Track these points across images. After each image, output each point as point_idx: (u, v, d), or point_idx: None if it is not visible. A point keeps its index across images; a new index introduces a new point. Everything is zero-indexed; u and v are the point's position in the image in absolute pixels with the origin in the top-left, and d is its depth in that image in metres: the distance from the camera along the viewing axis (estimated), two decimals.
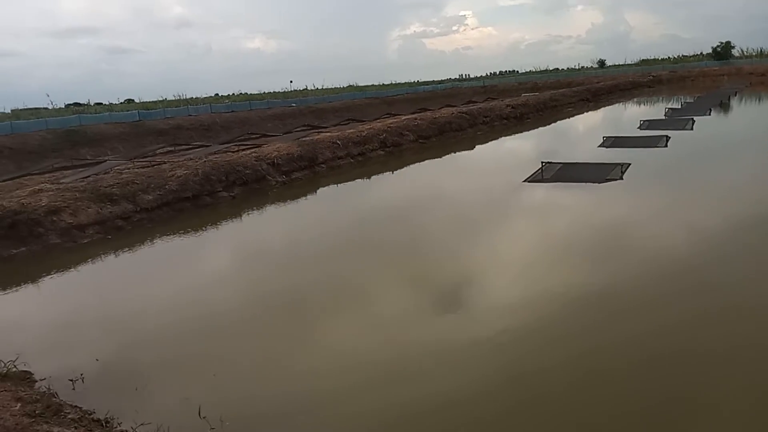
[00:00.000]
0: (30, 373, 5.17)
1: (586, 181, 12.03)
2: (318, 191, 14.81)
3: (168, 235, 10.73)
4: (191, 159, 13.67)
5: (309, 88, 59.92)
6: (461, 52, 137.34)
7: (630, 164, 13.16)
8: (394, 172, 16.98)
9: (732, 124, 24.08)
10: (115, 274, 9.02)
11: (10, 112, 36.87)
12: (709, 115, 23.52)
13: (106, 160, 19.46)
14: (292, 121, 37.61)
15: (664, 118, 23.11)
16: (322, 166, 15.98)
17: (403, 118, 22.39)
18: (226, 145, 21.09)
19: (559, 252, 8.13)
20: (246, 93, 53.59)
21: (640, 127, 20.62)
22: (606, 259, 7.71)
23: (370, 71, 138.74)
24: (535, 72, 76.03)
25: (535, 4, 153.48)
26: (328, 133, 18.53)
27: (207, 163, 12.79)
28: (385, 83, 68.31)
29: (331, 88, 60.09)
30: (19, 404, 4.00)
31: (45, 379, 5.11)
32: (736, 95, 33.34)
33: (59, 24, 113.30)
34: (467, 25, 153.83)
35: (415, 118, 21.61)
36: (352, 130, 18.82)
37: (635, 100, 40.09)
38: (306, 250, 9.34)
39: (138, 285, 8.17)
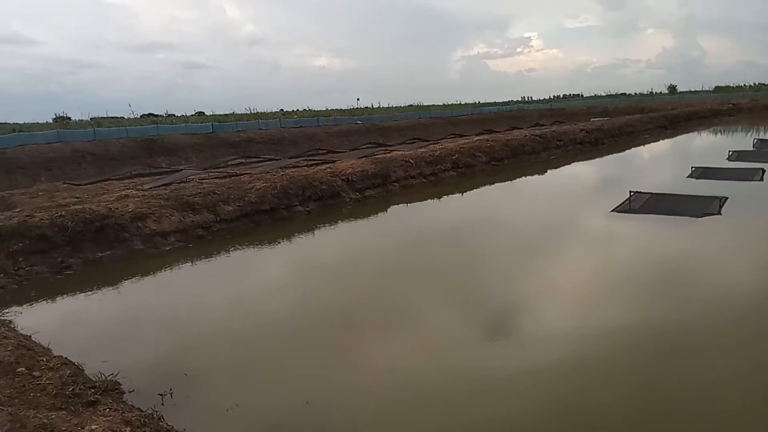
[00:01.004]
0: (118, 383, 5.03)
1: (681, 215, 11.23)
2: (389, 209, 14.61)
3: (245, 246, 10.75)
4: (268, 172, 13.75)
5: (374, 107, 60.29)
6: (525, 74, 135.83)
7: (727, 198, 12.28)
8: (466, 193, 16.60)
9: None
10: (196, 281, 9.03)
11: (91, 120, 38.69)
12: None
13: (181, 169, 20.02)
14: (357, 138, 37.91)
15: (753, 149, 21.70)
16: (395, 184, 15.77)
17: (475, 138, 21.98)
18: (295, 160, 21.34)
19: (654, 289, 7.50)
20: (312, 109, 54.47)
21: (729, 158, 19.41)
22: (709, 301, 7.05)
23: (433, 91, 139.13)
24: (604, 96, 73.94)
25: (603, 27, 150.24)
26: (401, 152, 18.36)
27: (284, 177, 12.80)
28: (449, 103, 67.99)
29: (396, 107, 60.29)
30: (128, 428, 3.82)
31: (133, 391, 4.99)
32: None
33: (138, 39, 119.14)
34: (532, 46, 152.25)
35: (487, 140, 21.15)
36: (424, 150, 18.58)
37: (713, 128, 38.15)
38: (370, 268, 9.28)
39: (220, 295, 8.11)
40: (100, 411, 4.16)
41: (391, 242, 11.24)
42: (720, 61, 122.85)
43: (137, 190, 11.80)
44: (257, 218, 11.63)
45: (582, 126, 28.32)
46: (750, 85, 66.95)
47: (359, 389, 5.26)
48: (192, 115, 52.65)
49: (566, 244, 10.30)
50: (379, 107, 60.09)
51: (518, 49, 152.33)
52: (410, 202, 15.48)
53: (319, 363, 5.71)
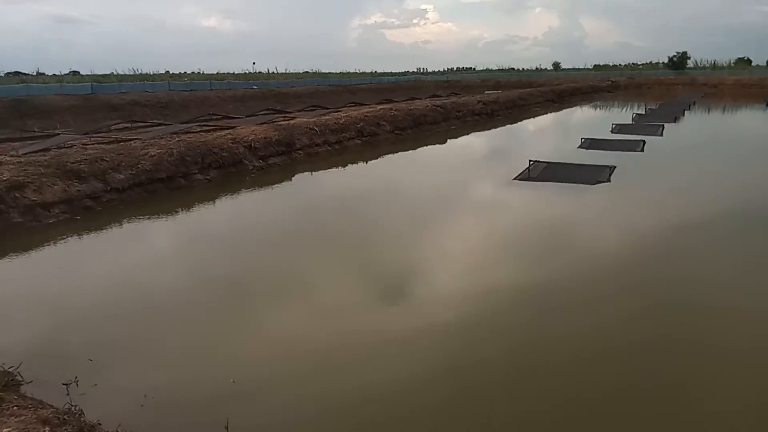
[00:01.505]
0: (13, 374, 4.31)
1: (577, 182, 11.84)
2: (294, 178, 14.15)
3: (139, 217, 9.87)
4: (162, 137, 12.70)
5: (271, 72, 58.23)
6: (420, 46, 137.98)
7: (615, 167, 13.10)
8: (371, 161, 16.45)
9: (699, 131, 24.66)
10: (85, 257, 8.14)
11: None
12: (675, 122, 24.00)
13: (57, 134, 18.15)
14: (253, 104, 36.44)
15: (632, 123, 23.41)
16: (300, 152, 15.26)
17: (378, 108, 21.82)
18: (187, 125, 20.09)
19: (549, 251, 7.85)
20: (204, 72, 51.55)
21: (612, 131, 20.78)
22: (613, 256, 7.50)
23: (330, 59, 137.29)
24: (495, 70, 76.73)
25: (495, 3, 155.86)
26: (304, 119, 17.77)
27: (181, 143, 11.89)
28: (347, 71, 67.35)
29: (294, 73, 58.82)
30: (47, 428, 3.24)
31: (32, 382, 4.32)
32: (695, 104, 34.35)
33: None
34: (428, 19, 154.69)
35: (390, 109, 21.07)
36: (328, 117, 18.14)
37: (595, 103, 40.82)
38: (270, 237, 9.04)
39: (114, 272, 7.35)
40: (6, 410, 3.55)
41: (294, 211, 10.90)
42: (599, 41, 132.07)
43: (11, 156, 10.38)
44: (152, 187, 10.71)
45: (479, 98, 29.08)
46: (626, 65, 72.57)
47: (257, 360, 5.08)
48: (66, 74, 48.00)
49: (469, 211, 10.50)
50: (276, 72, 58.22)
51: (414, 21, 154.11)
52: (315, 171, 15.08)
53: (217, 336, 5.46)
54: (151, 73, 45.78)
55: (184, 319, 5.93)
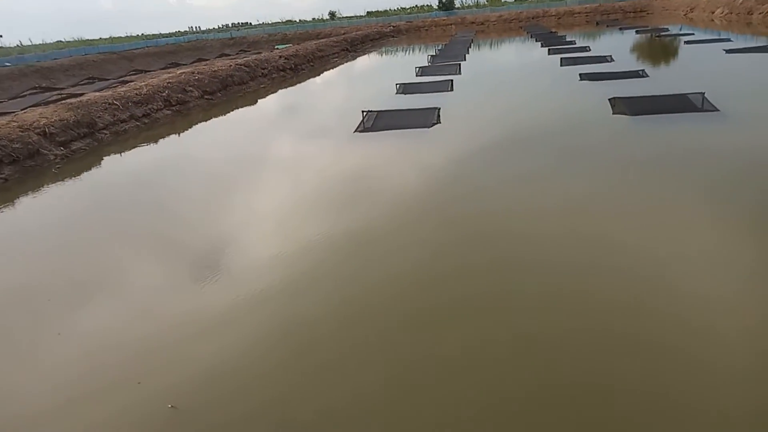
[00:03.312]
0: None
1: (414, 127, 12.15)
2: (103, 162, 12.35)
3: None
4: None
5: (19, 45, 49.51)
6: (188, 2, 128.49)
7: (439, 108, 13.72)
8: (184, 132, 15.03)
9: (488, 64, 26.91)
10: None
11: None
12: (465, 60, 25.87)
13: None
14: (12, 85, 30.97)
15: (430, 65, 24.63)
16: (104, 132, 13.30)
17: (179, 72, 19.81)
18: None
19: (371, 198, 8.05)
20: None
21: (417, 74, 21.66)
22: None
23: (88, 25, 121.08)
24: (276, 24, 75.02)
25: None
26: (96, 94, 15.39)
27: None
28: (119, 36, 60.25)
29: (51, 44, 50.68)
30: None
31: None
32: (473, 41, 37.40)
33: None
34: None
35: (193, 72, 19.30)
36: (125, 88, 15.95)
37: (384, 48, 42.26)
38: (80, 232, 8.15)
39: None
40: None
41: (101, 198, 9.75)
42: None
43: None
44: None
45: (279, 53, 28.11)
46: (396, 9, 75.97)
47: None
48: None
49: (308, 169, 10.17)
50: (29, 45, 49.69)
51: None
52: (125, 151, 13.33)
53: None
54: None
55: None
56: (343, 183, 9.13)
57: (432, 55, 28.57)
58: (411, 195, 8.17)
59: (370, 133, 12.15)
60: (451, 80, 18.42)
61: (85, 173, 11.61)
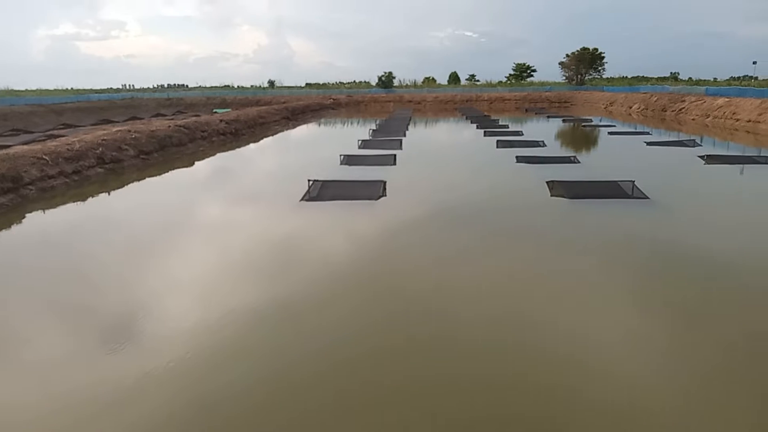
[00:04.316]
0: None
1: (361, 198, 12.12)
2: (25, 220, 11.49)
3: None
4: None
5: None
6: (124, 60, 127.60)
7: (385, 181, 13.82)
8: (115, 191, 14.32)
9: (428, 141, 27.88)
10: None
11: None
12: (406, 136, 26.58)
13: None
14: None
15: (372, 138, 25.10)
16: (30, 187, 12.45)
17: (115, 129, 19.09)
18: None
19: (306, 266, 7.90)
20: None
21: (359, 147, 21.98)
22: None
23: (14, 75, 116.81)
24: (213, 87, 75.29)
25: (201, 18, 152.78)
26: (27, 147, 14.51)
27: None
28: (48, 88, 58.24)
29: None
30: None
31: None
32: (411, 119, 38.77)
33: None
34: (128, 31, 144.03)
35: (130, 130, 18.68)
36: (56, 143, 15.16)
37: (324, 120, 42.94)
38: None
39: None
40: None
41: (11, 261, 9.01)
42: (307, 61, 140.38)
43: None
44: None
45: (220, 117, 27.93)
46: (334, 83, 78.28)
47: None
48: None
49: (247, 236, 9.84)
50: None
51: (113, 33, 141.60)
52: (50, 208, 12.49)
53: None
54: None
55: None
56: (281, 253, 8.90)
57: (373, 129, 29.24)
58: (349, 267, 8.07)
59: (317, 202, 11.99)
60: (395, 155, 18.77)
61: (4, 231, 10.75)
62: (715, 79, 68.10)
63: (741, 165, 16.80)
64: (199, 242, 9.69)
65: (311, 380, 5.02)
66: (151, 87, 79.73)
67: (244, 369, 5.23)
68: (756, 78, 50.57)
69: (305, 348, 5.63)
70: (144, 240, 9.77)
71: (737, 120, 30.78)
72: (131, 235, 10.22)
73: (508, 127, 30.21)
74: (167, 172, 17.27)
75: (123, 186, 15.18)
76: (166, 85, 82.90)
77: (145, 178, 16.21)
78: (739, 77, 63.82)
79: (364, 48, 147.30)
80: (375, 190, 12.73)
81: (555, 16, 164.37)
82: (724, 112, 32.64)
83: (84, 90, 66.48)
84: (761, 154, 19.01)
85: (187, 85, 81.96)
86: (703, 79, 67.82)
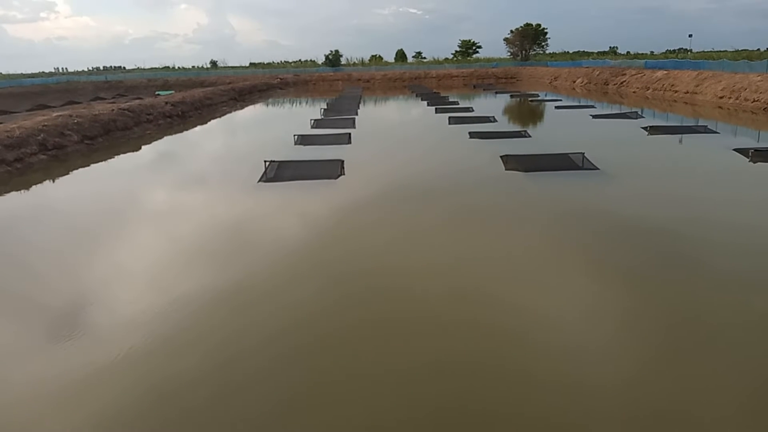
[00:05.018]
0: None
1: (320, 178, 12.08)
2: None
3: None
4: None
5: None
6: (55, 43, 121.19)
7: (343, 160, 13.79)
8: (60, 178, 13.75)
9: (381, 119, 27.83)
10: None
11: None
12: (358, 114, 26.47)
13: None
14: None
15: (324, 118, 24.88)
16: None
17: (55, 114, 18.20)
18: None
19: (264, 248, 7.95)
20: None
21: (312, 126, 21.78)
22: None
23: None
24: (153, 69, 72.62)
25: None
26: None
27: None
28: None
29: None
30: None
31: None
32: (362, 97, 38.58)
33: None
34: (58, 12, 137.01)
35: (71, 115, 17.87)
36: None
37: (272, 99, 42.22)
38: None
39: None
40: None
41: None
42: (249, 40, 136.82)
43: None
44: None
45: (165, 99, 27.03)
46: (279, 62, 76.81)
47: None
48: None
49: (203, 220, 9.68)
50: None
51: (42, 14, 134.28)
52: None
53: None
54: None
55: None
56: (240, 235, 8.78)
57: (324, 109, 28.98)
58: (311, 248, 7.99)
59: (275, 183, 11.88)
60: (349, 133, 18.72)
61: None
62: (651, 52, 70.76)
63: (680, 135, 17.62)
64: (152, 228, 9.46)
65: (269, 365, 4.93)
66: (86, 70, 76.38)
67: (198, 356, 5.11)
68: (691, 50, 52.80)
69: (262, 333, 5.54)
70: (93, 228, 9.41)
71: (675, 92, 32.12)
72: (80, 223, 9.87)
73: (458, 104, 30.53)
74: (113, 157, 16.66)
75: (68, 173, 14.56)
76: (102, 68, 79.64)
77: (90, 165, 15.58)
78: (674, 50, 66.46)
79: (309, 26, 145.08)
80: (333, 170, 12.70)
81: None
82: (663, 85, 33.97)
83: (14, 75, 62.90)
84: (699, 124, 19.95)
85: (124, 67, 78.97)
86: (641, 52, 70.31)
